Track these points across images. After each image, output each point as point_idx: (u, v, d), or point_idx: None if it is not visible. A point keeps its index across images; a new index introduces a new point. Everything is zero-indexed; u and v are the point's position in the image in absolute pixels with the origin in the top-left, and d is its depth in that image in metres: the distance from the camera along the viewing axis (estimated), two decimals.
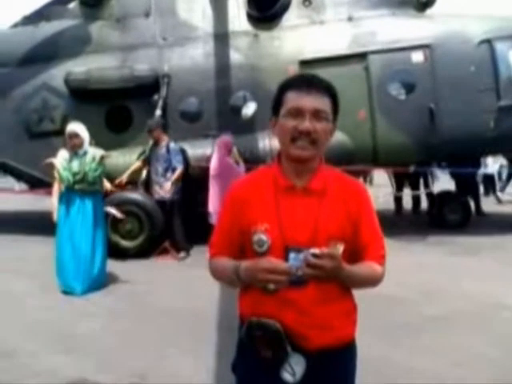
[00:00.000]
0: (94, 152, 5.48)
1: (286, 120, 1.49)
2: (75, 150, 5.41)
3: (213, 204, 6.74)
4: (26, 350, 3.78)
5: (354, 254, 1.54)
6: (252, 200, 1.54)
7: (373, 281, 1.57)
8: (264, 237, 1.47)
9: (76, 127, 5.43)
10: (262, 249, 1.47)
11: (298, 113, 1.47)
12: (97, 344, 3.89)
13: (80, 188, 5.33)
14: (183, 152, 7.19)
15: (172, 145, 6.97)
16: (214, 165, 6.83)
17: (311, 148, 1.48)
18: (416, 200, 10.69)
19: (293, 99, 1.49)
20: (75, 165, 5.34)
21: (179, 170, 6.87)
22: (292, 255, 1.43)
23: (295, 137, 1.47)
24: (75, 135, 5.37)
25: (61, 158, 5.45)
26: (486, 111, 7.33)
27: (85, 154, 5.41)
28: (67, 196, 5.37)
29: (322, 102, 1.48)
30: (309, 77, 1.55)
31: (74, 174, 5.30)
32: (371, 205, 1.60)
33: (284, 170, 1.56)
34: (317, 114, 1.46)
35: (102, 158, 5.55)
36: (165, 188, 6.84)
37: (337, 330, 1.50)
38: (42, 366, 3.50)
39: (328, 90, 1.51)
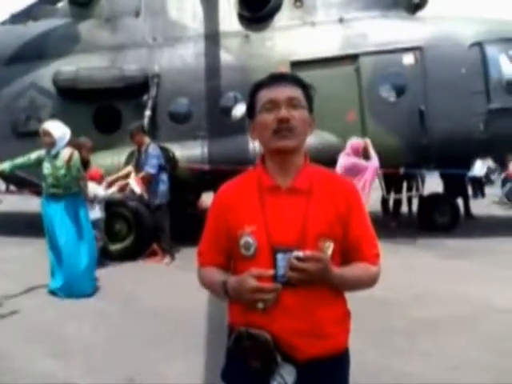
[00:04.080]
0: (64, 154, 5.13)
1: (263, 115, 1.48)
2: (48, 148, 5.16)
3: None
4: (13, 353, 3.70)
5: (346, 255, 1.50)
6: (237, 204, 1.50)
7: (367, 282, 1.52)
8: (250, 239, 1.43)
9: (49, 125, 5.14)
10: (249, 252, 1.43)
11: (273, 105, 1.46)
12: (85, 346, 3.82)
13: (55, 192, 5.11)
14: (167, 152, 7.05)
15: (150, 149, 6.64)
16: (340, 163, 6.67)
17: (292, 137, 1.45)
18: (397, 203, 10.58)
19: (265, 95, 1.49)
20: (47, 167, 5.11)
21: (143, 173, 6.59)
22: (280, 256, 1.39)
23: (275, 129, 1.45)
24: (47, 133, 5.08)
25: (34, 155, 5.23)
26: (477, 114, 7.34)
27: (57, 155, 5.13)
28: (46, 199, 5.21)
29: (294, 91, 1.48)
30: (277, 74, 1.57)
31: (46, 177, 5.09)
32: (361, 203, 1.55)
33: (268, 170, 1.53)
34: (291, 102, 1.46)
35: (70, 159, 5.10)
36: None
37: (328, 338, 1.44)
38: (30, 369, 3.43)
39: (297, 81, 1.52)
